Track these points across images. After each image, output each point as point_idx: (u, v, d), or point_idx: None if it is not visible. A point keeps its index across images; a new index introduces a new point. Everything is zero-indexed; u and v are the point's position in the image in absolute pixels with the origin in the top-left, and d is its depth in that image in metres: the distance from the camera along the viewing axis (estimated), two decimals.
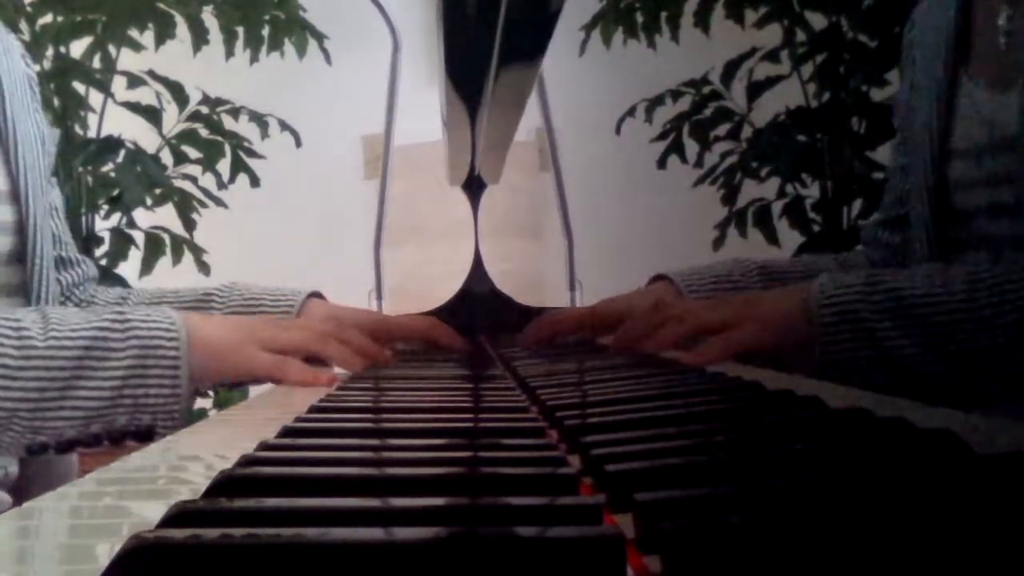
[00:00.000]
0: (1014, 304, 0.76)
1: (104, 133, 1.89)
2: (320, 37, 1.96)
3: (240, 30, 1.91)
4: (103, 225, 1.91)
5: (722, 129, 1.90)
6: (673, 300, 0.93)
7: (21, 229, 0.87)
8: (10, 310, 0.78)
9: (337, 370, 0.99)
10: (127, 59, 1.89)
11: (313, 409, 0.52)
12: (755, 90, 1.83)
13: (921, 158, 0.94)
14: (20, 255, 0.87)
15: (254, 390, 1.77)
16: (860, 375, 0.79)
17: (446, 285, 1.21)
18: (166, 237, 1.88)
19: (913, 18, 1.06)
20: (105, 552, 0.26)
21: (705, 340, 0.82)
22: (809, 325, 0.81)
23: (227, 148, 1.94)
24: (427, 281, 1.56)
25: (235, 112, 1.95)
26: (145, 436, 0.77)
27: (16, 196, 0.87)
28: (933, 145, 0.91)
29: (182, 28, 1.86)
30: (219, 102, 1.94)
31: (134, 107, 1.87)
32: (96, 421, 0.75)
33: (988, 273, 0.79)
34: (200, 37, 1.86)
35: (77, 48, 1.87)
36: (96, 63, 1.87)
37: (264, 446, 0.39)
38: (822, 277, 0.84)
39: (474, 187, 1.19)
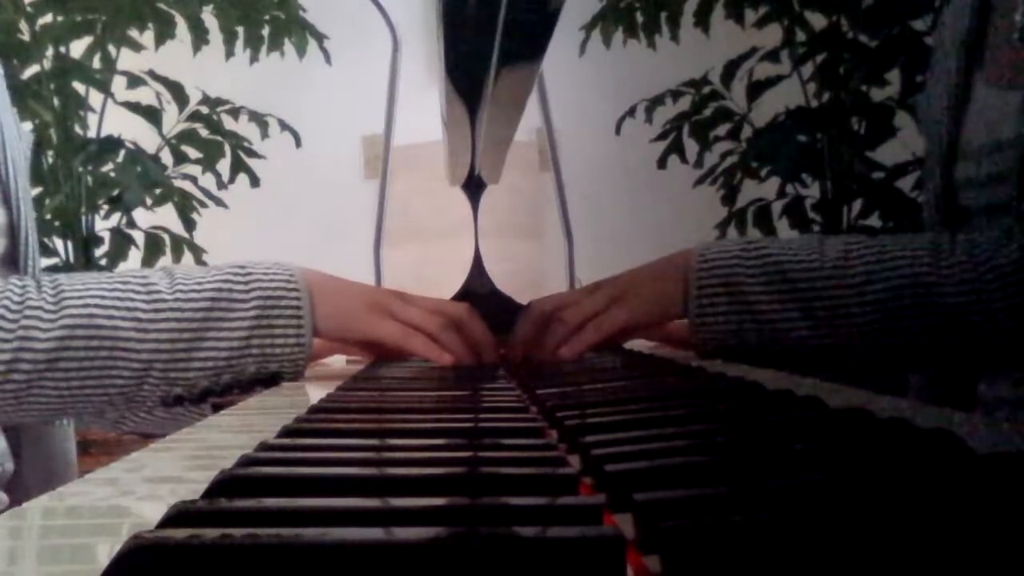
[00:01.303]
0: (884, 275, 0.77)
1: (104, 133, 1.89)
2: (320, 37, 1.96)
3: (240, 30, 1.91)
4: (103, 225, 1.91)
5: (722, 129, 1.90)
6: (551, 298, 0.90)
7: (12, 231, 0.86)
8: (136, 269, 0.81)
9: (337, 364, 0.99)
10: (127, 59, 1.89)
11: (313, 409, 0.52)
12: (755, 90, 1.83)
13: (932, 160, 0.93)
14: (12, 257, 0.87)
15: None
16: (735, 341, 0.80)
17: (446, 285, 1.21)
18: (166, 237, 1.88)
19: (942, 19, 1.05)
20: (104, 552, 0.26)
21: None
22: (686, 293, 0.81)
23: (227, 148, 1.94)
24: (427, 281, 1.56)
25: (235, 112, 1.95)
26: (271, 382, 0.79)
27: (7, 198, 0.86)
28: (943, 146, 0.91)
29: (182, 28, 1.86)
30: (219, 102, 1.94)
31: (134, 107, 1.87)
32: (227, 371, 0.77)
33: (860, 244, 0.80)
34: (200, 37, 1.86)
35: (77, 48, 1.87)
36: (96, 63, 1.87)
37: (264, 446, 0.39)
38: (700, 244, 0.84)
39: (474, 187, 1.19)
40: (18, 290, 0.74)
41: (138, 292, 0.75)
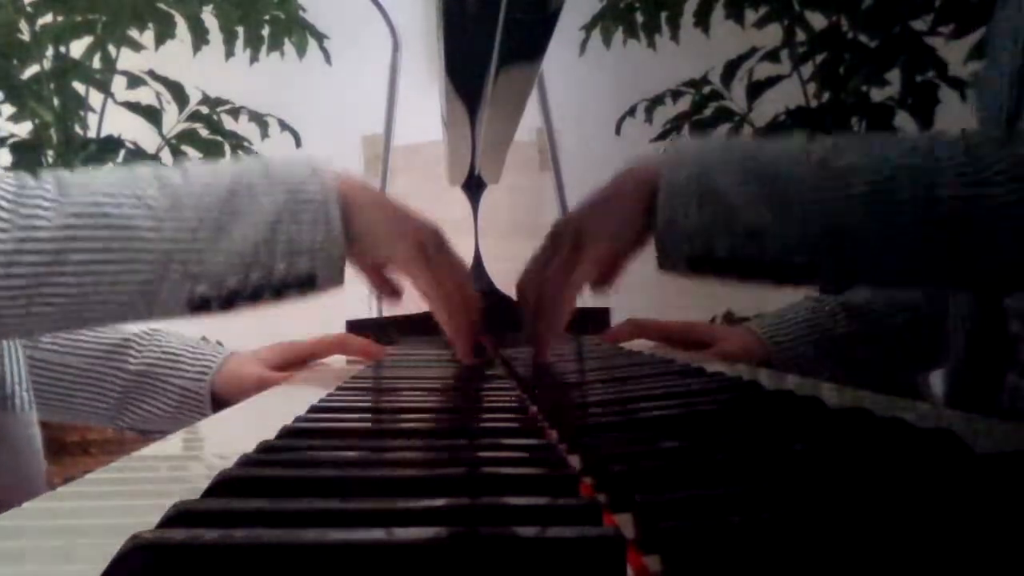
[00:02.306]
0: (874, 167, 0.68)
1: (104, 133, 1.89)
2: (320, 37, 1.96)
3: (240, 30, 1.91)
4: None
5: (722, 129, 1.90)
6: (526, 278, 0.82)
7: None
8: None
9: (337, 364, 1.00)
10: (127, 59, 1.89)
11: (313, 409, 0.52)
12: (755, 90, 1.83)
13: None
14: None
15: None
16: (702, 247, 0.70)
17: None
18: None
19: None
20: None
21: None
22: (652, 197, 0.71)
23: (227, 148, 1.93)
24: None
25: (235, 112, 1.95)
26: (308, 287, 0.72)
27: None
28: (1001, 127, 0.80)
29: (182, 28, 1.86)
30: (219, 102, 1.94)
31: (134, 107, 1.87)
32: (254, 267, 0.70)
33: (848, 139, 0.72)
34: (200, 37, 1.85)
35: (77, 48, 1.87)
36: (96, 63, 1.87)
37: (264, 446, 0.39)
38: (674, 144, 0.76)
39: (474, 187, 1.19)
40: (13, 180, 0.68)
41: (149, 183, 0.70)
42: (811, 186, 0.68)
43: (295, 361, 0.99)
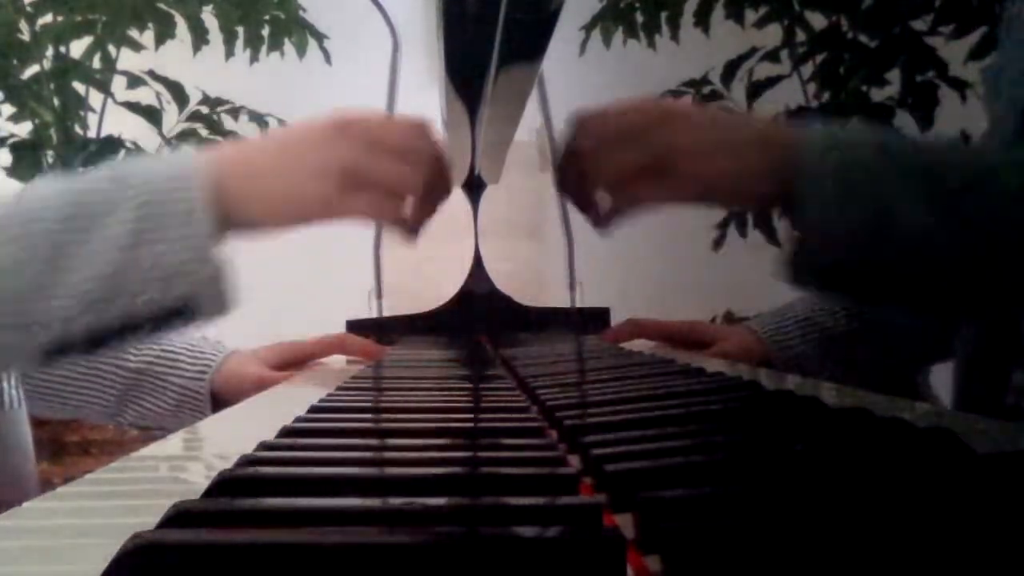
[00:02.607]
0: None
1: (104, 133, 1.89)
2: (320, 37, 1.96)
3: (240, 30, 1.91)
4: None
5: None
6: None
7: None
8: None
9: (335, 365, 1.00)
10: (127, 59, 1.89)
11: (313, 409, 0.52)
12: (755, 90, 1.83)
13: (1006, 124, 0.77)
14: None
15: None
16: (845, 248, 0.59)
17: (446, 285, 1.21)
18: None
19: None
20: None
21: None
22: (786, 169, 0.60)
23: None
24: (427, 281, 1.56)
25: (235, 112, 1.95)
26: (192, 315, 0.60)
27: None
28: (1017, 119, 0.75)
29: (182, 28, 1.86)
30: (219, 102, 1.94)
31: (134, 107, 1.87)
32: (110, 303, 0.58)
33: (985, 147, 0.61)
34: (200, 37, 1.86)
35: (77, 48, 1.87)
36: (96, 63, 1.87)
37: (264, 446, 0.39)
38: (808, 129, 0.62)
39: (474, 187, 1.19)
40: None
41: None
42: (982, 197, 0.58)
43: (295, 361, 0.98)
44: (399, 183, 0.65)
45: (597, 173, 0.64)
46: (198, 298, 0.60)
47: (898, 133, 0.64)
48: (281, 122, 1.94)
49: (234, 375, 0.94)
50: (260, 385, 0.90)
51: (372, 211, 0.65)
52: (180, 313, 0.60)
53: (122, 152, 1.84)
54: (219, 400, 0.93)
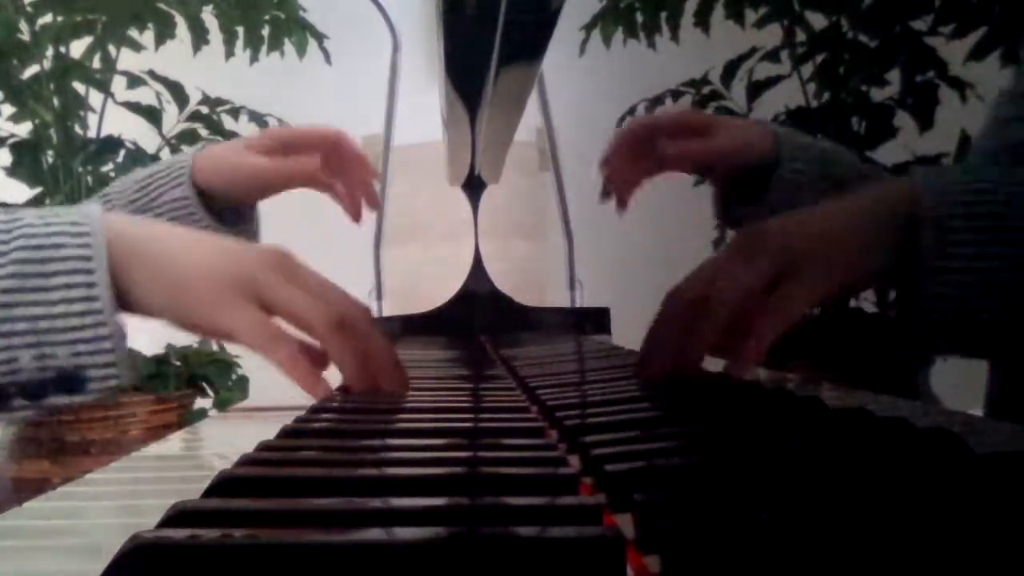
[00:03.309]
0: None
1: (104, 133, 1.89)
2: (320, 37, 1.96)
3: (240, 30, 1.91)
4: None
5: None
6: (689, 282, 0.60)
7: None
8: None
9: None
10: (127, 59, 1.89)
11: (313, 409, 0.52)
12: (755, 90, 1.83)
13: None
14: None
15: (255, 390, 1.77)
16: (978, 296, 0.53)
17: (446, 285, 1.22)
18: None
19: None
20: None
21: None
22: (904, 238, 0.55)
23: None
24: (427, 281, 1.56)
25: (235, 112, 1.95)
26: (75, 386, 0.54)
27: None
28: None
29: (182, 28, 1.86)
30: (219, 102, 1.94)
31: (134, 107, 1.87)
32: None
33: None
34: (200, 37, 1.85)
35: (77, 48, 1.87)
36: (96, 63, 1.87)
37: (264, 446, 0.39)
38: (918, 173, 0.57)
39: (474, 187, 1.19)
40: None
41: None
42: None
43: (283, 148, 0.87)
44: (305, 316, 0.57)
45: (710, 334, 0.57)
46: (84, 366, 0.53)
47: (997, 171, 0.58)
48: (281, 122, 1.95)
49: (219, 161, 0.83)
50: (252, 173, 0.82)
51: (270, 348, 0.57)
52: (67, 380, 0.53)
53: (122, 152, 1.84)
54: (211, 195, 0.84)
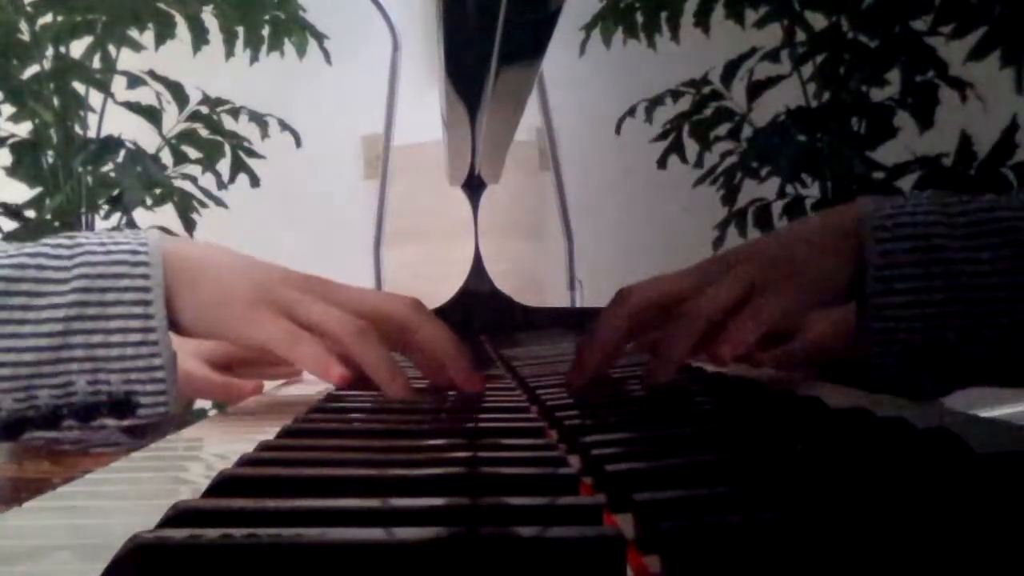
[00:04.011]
0: None
1: (104, 133, 1.89)
2: (320, 37, 1.96)
3: (240, 30, 1.91)
4: (103, 225, 1.91)
5: (722, 129, 1.90)
6: (651, 284, 0.64)
7: None
8: None
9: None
10: (127, 59, 1.89)
11: (313, 409, 0.52)
12: (755, 90, 1.83)
13: None
14: None
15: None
16: (929, 334, 0.55)
17: (446, 285, 1.21)
18: None
19: None
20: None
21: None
22: (858, 265, 0.58)
23: (227, 148, 1.94)
24: (427, 281, 1.56)
25: (235, 112, 1.95)
26: (124, 411, 0.56)
27: None
28: None
29: (182, 28, 1.86)
30: (219, 102, 1.94)
31: (134, 107, 1.87)
32: (39, 384, 0.53)
33: None
34: (200, 37, 1.85)
35: (77, 48, 1.87)
36: (96, 63, 1.87)
37: (264, 446, 0.39)
38: (865, 200, 0.60)
39: (474, 187, 1.19)
40: None
41: None
42: None
43: (246, 359, 0.83)
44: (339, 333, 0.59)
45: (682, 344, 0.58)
46: (135, 391, 0.55)
47: (952, 195, 0.59)
48: (281, 122, 1.95)
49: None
50: (196, 388, 0.78)
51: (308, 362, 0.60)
52: (116, 405, 0.55)
53: (122, 152, 1.84)
54: None
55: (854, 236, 0.59)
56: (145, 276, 0.55)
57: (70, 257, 0.55)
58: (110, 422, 0.56)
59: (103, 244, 0.56)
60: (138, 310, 0.55)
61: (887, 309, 0.57)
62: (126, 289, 0.55)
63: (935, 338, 0.56)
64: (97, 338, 0.54)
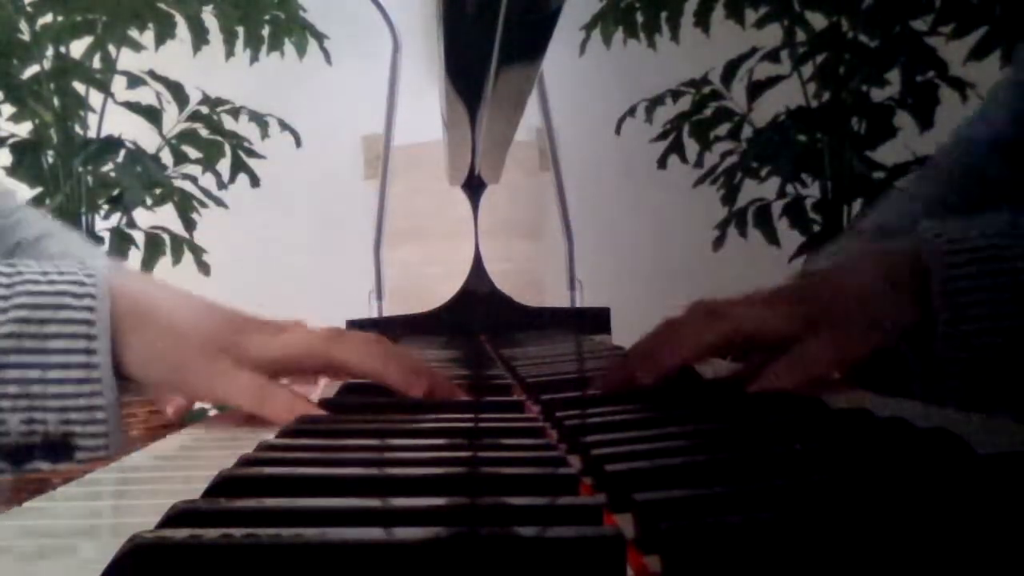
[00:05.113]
0: None
1: (104, 133, 1.89)
2: (320, 37, 1.96)
3: (240, 30, 1.91)
4: (103, 225, 1.91)
5: (722, 129, 1.91)
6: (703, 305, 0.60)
7: None
8: None
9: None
10: (127, 59, 1.89)
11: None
12: (755, 90, 1.83)
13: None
14: None
15: None
16: (999, 333, 0.53)
17: (446, 285, 1.22)
18: (166, 237, 1.88)
19: None
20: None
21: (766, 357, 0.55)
22: (918, 299, 0.55)
23: (227, 148, 1.94)
24: (427, 281, 1.56)
25: (235, 112, 1.95)
26: (62, 452, 0.51)
27: None
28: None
29: (182, 28, 1.86)
30: (219, 102, 1.94)
31: (134, 107, 1.88)
32: None
33: None
34: (200, 37, 1.86)
35: (77, 48, 1.87)
36: (96, 63, 1.87)
37: (264, 446, 0.39)
38: (923, 230, 0.57)
39: (474, 187, 1.19)
40: None
41: None
42: None
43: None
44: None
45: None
46: (74, 432, 0.51)
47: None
48: (281, 122, 1.95)
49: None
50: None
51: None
52: (53, 446, 0.51)
53: (122, 152, 1.84)
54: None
55: (911, 270, 0.56)
56: (90, 308, 0.51)
57: (9, 286, 0.51)
58: (43, 465, 0.51)
59: (46, 273, 0.52)
60: (80, 344, 0.50)
61: (955, 340, 0.54)
62: (68, 321, 0.50)
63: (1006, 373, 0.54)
64: (34, 373, 0.50)
